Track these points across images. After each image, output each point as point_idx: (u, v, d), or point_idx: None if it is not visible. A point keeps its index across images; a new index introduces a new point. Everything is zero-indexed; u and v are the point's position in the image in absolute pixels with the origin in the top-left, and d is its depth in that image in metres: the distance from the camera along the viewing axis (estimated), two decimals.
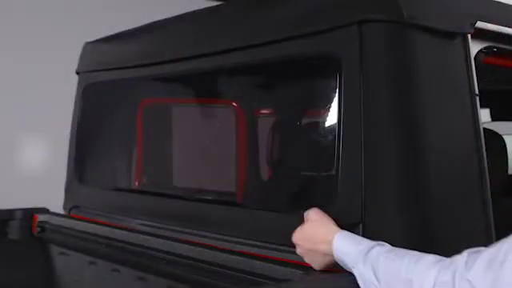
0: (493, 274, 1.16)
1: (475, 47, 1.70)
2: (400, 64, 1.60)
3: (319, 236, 1.55)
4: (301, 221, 1.76)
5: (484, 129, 1.67)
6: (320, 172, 2.27)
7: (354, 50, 1.60)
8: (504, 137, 2.15)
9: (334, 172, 1.65)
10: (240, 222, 1.98)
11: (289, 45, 1.81)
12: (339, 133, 1.63)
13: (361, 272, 1.42)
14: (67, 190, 2.81)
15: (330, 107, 1.68)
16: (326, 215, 1.60)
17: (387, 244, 1.44)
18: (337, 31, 1.66)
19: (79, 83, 2.85)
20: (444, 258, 1.31)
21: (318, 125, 2.33)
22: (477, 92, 1.66)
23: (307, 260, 1.59)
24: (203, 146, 3.03)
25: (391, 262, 1.37)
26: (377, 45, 1.60)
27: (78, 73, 2.87)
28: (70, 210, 2.76)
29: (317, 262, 1.57)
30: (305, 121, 2.60)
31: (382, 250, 1.41)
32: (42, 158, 5.56)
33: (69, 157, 2.84)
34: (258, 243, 1.82)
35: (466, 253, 1.26)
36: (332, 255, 1.50)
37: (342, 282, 1.47)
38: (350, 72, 1.61)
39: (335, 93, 1.65)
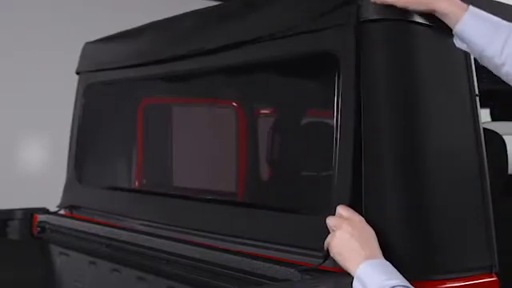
0: None
1: None
2: (400, 63, 1.60)
3: (348, 254, 1.47)
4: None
5: (484, 129, 1.67)
6: (319, 171, 2.26)
7: (354, 49, 1.60)
8: (504, 137, 2.15)
9: (332, 172, 1.65)
10: (240, 221, 1.98)
11: (288, 44, 1.81)
12: (338, 132, 1.63)
13: None
14: (66, 189, 2.81)
15: (329, 106, 1.68)
16: (359, 219, 1.52)
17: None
18: (336, 30, 1.65)
19: (79, 83, 2.85)
20: None
21: (317, 124, 2.33)
22: (477, 92, 1.66)
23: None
24: (203, 145, 3.03)
25: None
26: (376, 43, 1.60)
27: (78, 73, 2.87)
28: (66, 208, 2.76)
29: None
30: (304, 120, 2.60)
31: None
32: (41, 157, 5.57)
33: (69, 157, 2.84)
34: (258, 243, 1.82)
35: None
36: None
37: (342, 282, 1.46)
38: (349, 71, 1.61)
39: (334, 92, 1.64)
